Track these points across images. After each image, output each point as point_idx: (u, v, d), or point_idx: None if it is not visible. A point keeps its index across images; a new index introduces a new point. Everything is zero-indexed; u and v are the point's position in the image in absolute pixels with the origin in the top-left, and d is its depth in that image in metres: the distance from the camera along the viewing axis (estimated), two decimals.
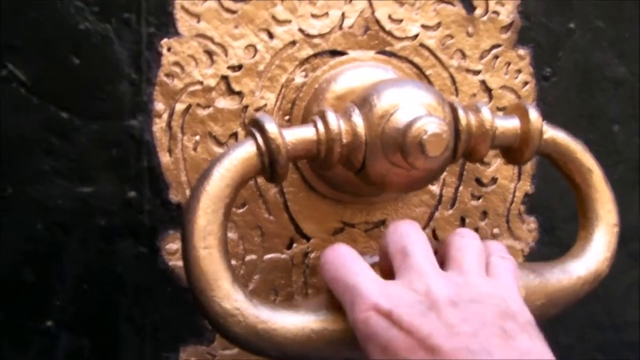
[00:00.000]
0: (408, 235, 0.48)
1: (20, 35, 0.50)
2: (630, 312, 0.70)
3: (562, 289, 0.53)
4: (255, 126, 0.47)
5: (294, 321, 0.46)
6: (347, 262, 0.47)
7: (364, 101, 0.49)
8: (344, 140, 0.48)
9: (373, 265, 0.50)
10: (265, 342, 0.45)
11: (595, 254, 0.54)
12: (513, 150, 0.53)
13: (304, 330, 0.46)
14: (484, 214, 0.61)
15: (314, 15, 0.55)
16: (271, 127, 0.46)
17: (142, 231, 0.54)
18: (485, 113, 0.51)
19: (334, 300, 0.47)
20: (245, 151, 0.46)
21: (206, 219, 0.45)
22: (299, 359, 0.47)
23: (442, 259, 0.48)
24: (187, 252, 0.45)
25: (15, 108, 0.51)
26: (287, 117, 0.55)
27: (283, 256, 0.57)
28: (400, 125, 0.47)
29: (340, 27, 0.55)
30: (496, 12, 0.59)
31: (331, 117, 0.48)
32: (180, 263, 0.52)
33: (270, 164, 0.46)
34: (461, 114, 0.50)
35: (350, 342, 0.46)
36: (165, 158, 0.53)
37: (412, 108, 0.48)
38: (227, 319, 0.45)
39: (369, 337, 0.42)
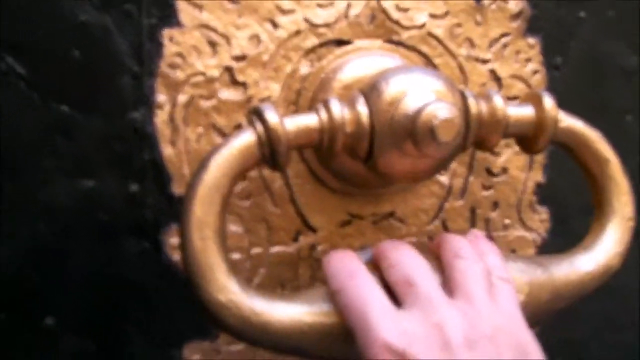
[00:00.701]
0: (410, 266, 0.46)
1: (19, 29, 0.49)
2: None
3: (570, 284, 0.51)
4: (255, 115, 0.46)
5: (289, 313, 0.45)
6: (355, 281, 0.45)
7: (371, 88, 0.47)
8: (348, 129, 0.47)
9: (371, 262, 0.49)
10: (260, 334, 0.44)
11: (606, 247, 0.53)
12: (527, 139, 0.51)
13: (297, 323, 0.45)
14: (495, 205, 0.60)
15: (319, 5, 0.53)
16: (271, 116, 0.45)
17: (145, 225, 0.53)
18: (497, 101, 0.49)
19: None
20: (244, 140, 0.45)
21: (202, 209, 0.44)
22: (294, 352, 0.46)
23: (443, 280, 0.46)
24: (183, 243, 0.44)
25: (15, 103, 0.50)
26: (293, 108, 0.54)
27: (289, 249, 0.56)
28: (409, 111, 0.46)
29: (346, 16, 0.54)
30: (504, 1, 0.57)
31: (335, 105, 0.47)
32: None
33: (270, 153, 0.45)
34: (471, 101, 0.49)
35: (344, 337, 0.44)
36: (167, 150, 0.52)
37: (422, 94, 0.46)
38: (222, 310, 0.44)
39: None
